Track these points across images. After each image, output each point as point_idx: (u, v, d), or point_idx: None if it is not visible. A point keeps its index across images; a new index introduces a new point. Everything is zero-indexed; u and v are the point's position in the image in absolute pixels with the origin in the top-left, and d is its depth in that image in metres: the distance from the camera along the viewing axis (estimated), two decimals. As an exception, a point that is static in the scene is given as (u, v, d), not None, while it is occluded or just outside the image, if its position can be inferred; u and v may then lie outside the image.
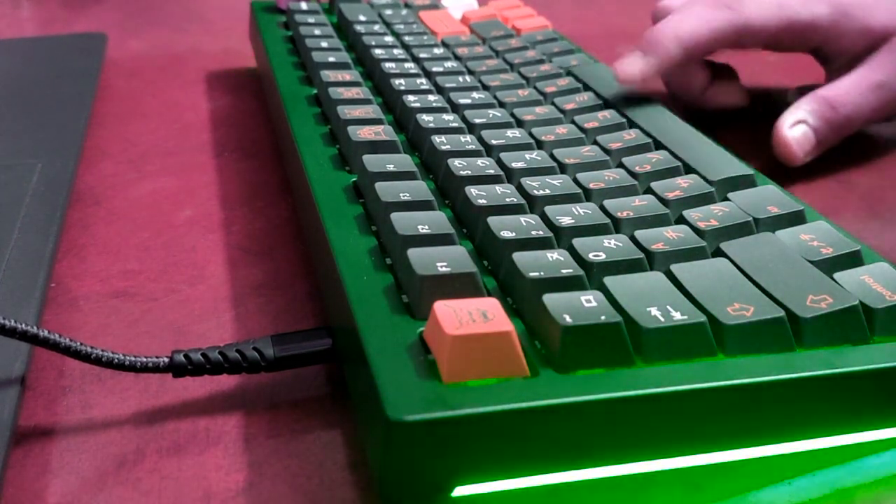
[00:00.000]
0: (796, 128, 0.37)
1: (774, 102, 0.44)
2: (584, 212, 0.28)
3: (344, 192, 0.30)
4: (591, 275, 0.25)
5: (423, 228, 0.26)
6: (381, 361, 0.22)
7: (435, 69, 0.41)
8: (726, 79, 0.42)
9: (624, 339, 0.22)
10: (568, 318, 0.22)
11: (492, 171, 0.30)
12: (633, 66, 0.37)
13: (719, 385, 0.22)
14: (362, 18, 0.48)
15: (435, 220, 0.27)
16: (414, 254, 0.24)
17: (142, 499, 0.23)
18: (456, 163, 0.31)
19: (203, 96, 0.51)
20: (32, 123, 0.43)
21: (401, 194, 0.28)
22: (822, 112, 0.37)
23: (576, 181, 0.30)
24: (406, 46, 0.44)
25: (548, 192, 0.29)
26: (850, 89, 0.38)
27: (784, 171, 0.38)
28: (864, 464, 0.24)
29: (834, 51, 0.39)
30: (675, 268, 0.25)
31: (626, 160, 0.32)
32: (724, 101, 0.40)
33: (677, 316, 0.23)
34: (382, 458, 0.21)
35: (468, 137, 0.33)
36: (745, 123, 0.44)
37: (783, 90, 0.47)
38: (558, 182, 0.30)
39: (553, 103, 0.38)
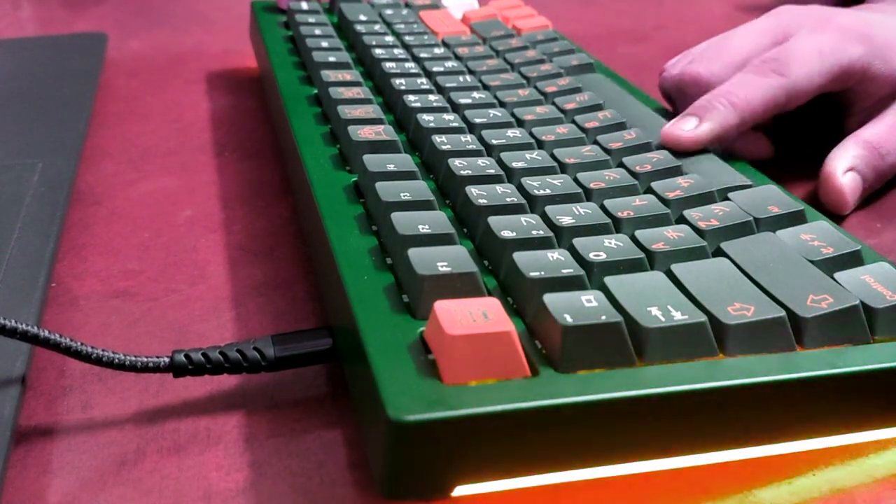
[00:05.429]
0: (848, 175, 0.36)
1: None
2: (584, 211, 0.28)
3: (344, 192, 0.30)
4: (592, 274, 0.25)
5: (423, 228, 0.26)
6: (382, 361, 0.22)
7: (435, 69, 0.41)
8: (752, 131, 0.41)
9: (624, 339, 0.22)
10: (568, 318, 0.22)
11: (492, 171, 0.30)
12: (686, 130, 0.34)
13: (720, 385, 0.22)
14: (363, 18, 0.48)
15: (435, 220, 0.27)
16: (414, 253, 0.24)
17: (142, 499, 0.23)
18: (456, 162, 0.31)
19: (203, 96, 0.51)
20: (32, 123, 0.43)
21: (401, 194, 0.28)
22: (870, 159, 0.36)
23: (576, 181, 0.30)
24: (406, 46, 0.44)
25: (548, 191, 0.29)
26: (892, 135, 0.37)
27: (783, 172, 0.38)
28: (864, 464, 0.24)
29: (861, 92, 0.38)
30: (675, 267, 0.25)
31: (626, 160, 0.32)
32: (753, 151, 0.39)
33: (678, 316, 0.23)
34: (383, 458, 0.21)
35: (468, 137, 0.33)
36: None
37: None
38: (559, 182, 0.30)
39: (553, 103, 0.38)
